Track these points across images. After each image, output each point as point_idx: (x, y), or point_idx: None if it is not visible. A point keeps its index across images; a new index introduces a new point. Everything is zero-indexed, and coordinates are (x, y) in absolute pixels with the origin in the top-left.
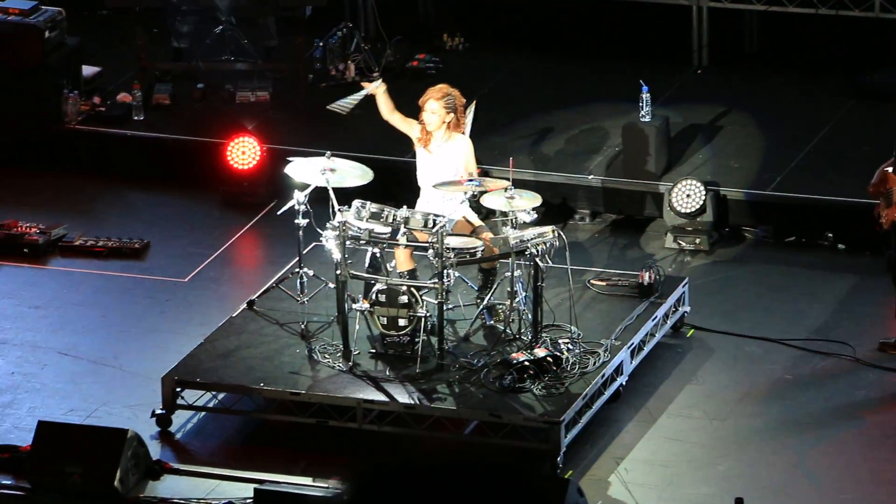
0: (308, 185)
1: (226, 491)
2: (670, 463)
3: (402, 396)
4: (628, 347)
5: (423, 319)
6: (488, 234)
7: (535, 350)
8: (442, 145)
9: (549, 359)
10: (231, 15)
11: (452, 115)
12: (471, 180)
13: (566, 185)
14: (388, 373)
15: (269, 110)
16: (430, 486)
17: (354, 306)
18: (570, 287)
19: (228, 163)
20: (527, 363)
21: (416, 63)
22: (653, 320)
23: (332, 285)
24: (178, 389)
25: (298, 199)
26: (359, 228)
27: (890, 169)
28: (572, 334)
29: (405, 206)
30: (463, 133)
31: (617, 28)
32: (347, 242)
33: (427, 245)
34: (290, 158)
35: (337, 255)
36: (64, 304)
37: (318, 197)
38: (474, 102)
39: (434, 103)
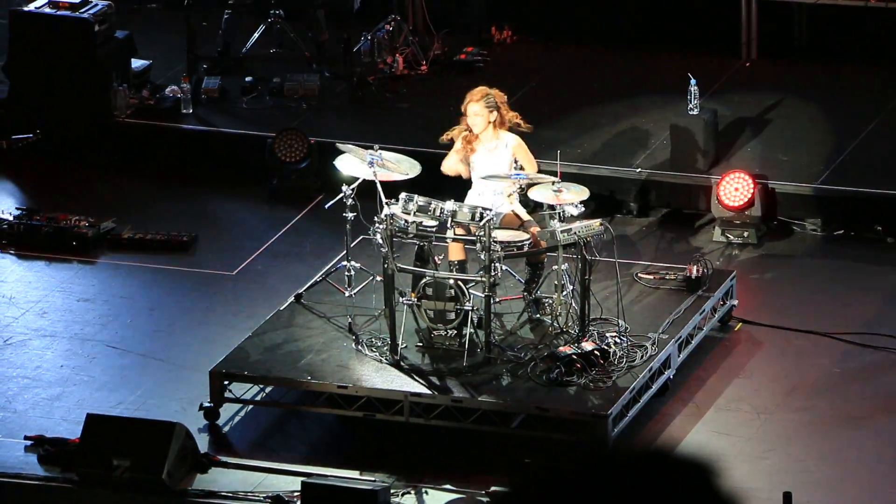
0: (356, 179)
1: (273, 484)
2: (718, 457)
3: (449, 390)
4: (676, 341)
5: (470, 313)
6: (536, 228)
7: (583, 343)
8: (490, 146)
9: (596, 352)
10: (280, 8)
11: (496, 113)
12: (518, 173)
13: (614, 178)
14: (435, 366)
15: (317, 103)
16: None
17: (402, 300)
18: (618, 280)
19: (276, 156)
20: (574, 357)
21: (464, 56)
22: (700, 314)
23: (379, 278)
24: (226, 383)
25: (346, 192)
26: (406, 221)
27: None
28: (619, 328)
29: (452, 200)
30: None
31: (665, 21)
32: (395, 236)
33: (474, 238)
34: (339, 143)
35: (384, 249)
36: (112, 298)
37: (366, 190)
38: None
39: (475, 105)
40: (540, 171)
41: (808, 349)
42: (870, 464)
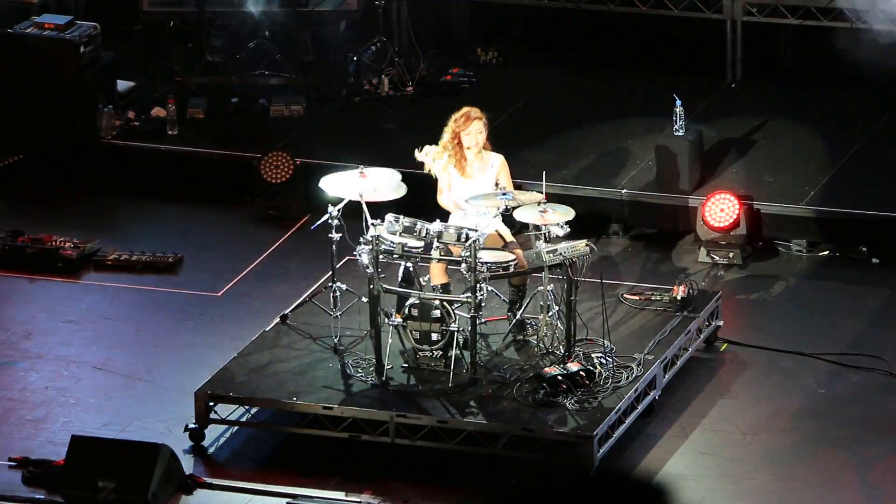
0: (341, 199)
1: None
2: (703, 478)
3: (435, 411)
4: (661, 362)
5: (455, 334)
6: (519, 251)
7: (568, 364)
8: (477, 165)
9: (581, 373)
10: (265, 29)
11: (486, 131)
12: (504, 194)
13: (599, 199)
14: (420, 387)
15: (302, 125)
16: None
17: (387, 321)
18: (603, 301)
19: (262, 177)
20: (559, 377)
21: (450, 77)
22: (686, 334)
23: (365, 299)
24: (211, 404)
25: (332, 213)
26: (392, 242)
27: None
28: (605, 348)
29: (438, 220)
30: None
31: (651, 42)
32: (380, 256)
33: (460, 259)
34: (323, 179)
35: (370, 270)
36: (97, 319)
37: (352, 211)
38: None
39: (479, 123)
40: (524, 192)
41: (793, 370)
42: (855, 484)
